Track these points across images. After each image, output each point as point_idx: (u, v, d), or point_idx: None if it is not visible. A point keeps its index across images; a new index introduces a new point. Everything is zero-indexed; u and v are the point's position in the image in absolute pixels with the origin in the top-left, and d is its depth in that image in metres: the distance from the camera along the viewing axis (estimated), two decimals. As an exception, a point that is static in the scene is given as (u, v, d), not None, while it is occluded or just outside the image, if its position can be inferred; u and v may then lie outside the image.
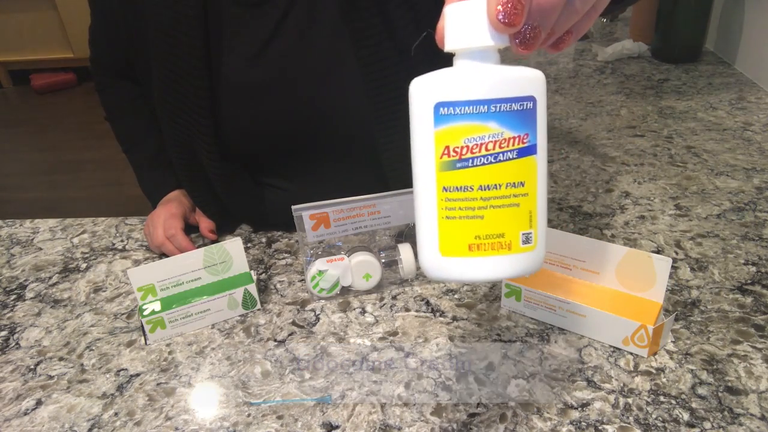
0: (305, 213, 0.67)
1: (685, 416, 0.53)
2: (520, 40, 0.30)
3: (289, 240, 0.83)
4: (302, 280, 0.75)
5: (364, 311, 0.69)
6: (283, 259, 0.80)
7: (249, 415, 0.57)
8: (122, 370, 0.64)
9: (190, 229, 0.82)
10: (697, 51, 1.35)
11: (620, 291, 0.63)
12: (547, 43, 0.33)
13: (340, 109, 0.75)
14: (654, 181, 0.90)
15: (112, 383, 0.62)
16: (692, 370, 0.58)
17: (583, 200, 0.86)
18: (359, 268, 0.70)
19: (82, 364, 0.65)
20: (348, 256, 0.70)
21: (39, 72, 4.03)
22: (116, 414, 0.58)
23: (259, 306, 0.71)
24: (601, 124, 1.09)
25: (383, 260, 0.72)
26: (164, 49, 0.72)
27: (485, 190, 0.28)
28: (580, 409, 0.55)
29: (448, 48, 0.30)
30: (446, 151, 0.29)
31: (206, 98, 0.73)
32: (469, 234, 0.29)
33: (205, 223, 0.83)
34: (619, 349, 0.61)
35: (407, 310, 0.69)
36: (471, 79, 0.29)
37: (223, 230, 0.86)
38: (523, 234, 0.29)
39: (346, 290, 0.72)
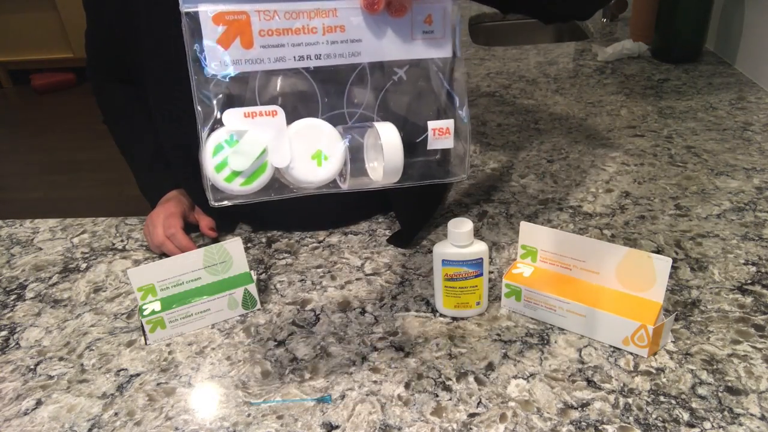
0: (207, 9, 0.38)
1: (685, 416, 0.53)
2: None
3: (289, 240, 0.83)
4: (302, 279, 0.75)
5: (364, 311, 0.69)
6: (283, 259, 0.80)
7: (249, 415, 0.57)
8: (122, 370, 0.64)
9: (189, 228, 0.82)
10: (697, 51, 1.35)
11: (620, 291, 0.63)
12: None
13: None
14: (654, 181, 0.90)
15: (112, 383, 0.62)
16: (692, 370, 0.58)
17: (583, 200, 0.86)
18: (305, 138, 0.41)
19: (82, 364, 0.65)
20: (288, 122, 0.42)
21: (39, 72, 4.03)
22: (116, 414, 0.58)
23: (259, 306, 0.71)
24: (601, 124, 1.09)
25: (347, 141, 0.44)
26: (157, 43, 0.72)
27: (461, 288, 0.65)
28: (580, 409, 0.55)
29: (451, 240, 0.63)
30: (446, 275, 0.64)
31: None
32: (454, 302, 0.66)
33: (205, 221, 0.83)
34: (619, 349, 0.61)
35: (407, 310, 0.69)
36: (454, 252, 0.63)
37: (223, 230, 0.86)
38: (476, 302, 0.66)
39: (279, 184, 0.43)
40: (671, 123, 1.07)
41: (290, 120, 0.42)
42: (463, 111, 0.45)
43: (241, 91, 0.41)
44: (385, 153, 0.42)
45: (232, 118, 0.40)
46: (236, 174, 0.40)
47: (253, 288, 0.69)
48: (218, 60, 0.39)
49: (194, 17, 0.38)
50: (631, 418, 0.53)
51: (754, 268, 0.70)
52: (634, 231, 0.78)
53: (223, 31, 0.38)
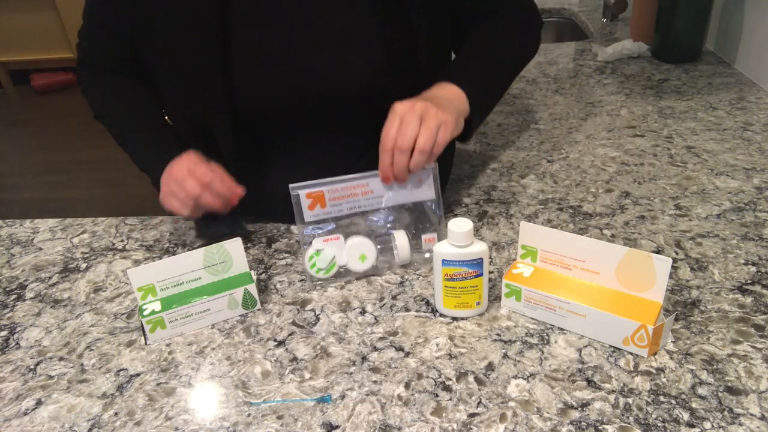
0: (302, 192, 0.70)
1: (685, 416, 0.53)
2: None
3: (289, 240, 0.83)
4: (302, 279, 0.75)
5: (364, 311, 0.69)
6: (283, 259, 0.80)
7: (249, 415, 0.57)
8: (122, 370, 0.64)
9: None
10: (697, 51, 1.35)
11: (620, 291, 0.63)
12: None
13: (356, 80, 0.76)
14: (654, 181, 0.90)
15: (112, 383, 0.62)
16: (692, 370, 0.58)
17: (583, 200, 0.86)
18: (355, 248, 0.73)
19: (82, 364, 0.65)
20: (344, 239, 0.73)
21: (39, 72, 4.03)
22: (116, 414, 0.58)
23: (259, 306, 0.71)
24: (601, 124, 1.09)
25: (378, 246, 0.74)
26: (176, 21, 0.72)
27: (461, 288, 0.65)
28: (580, 409, 0.55)
29: (451, 240, 0.63)
30: (446, 275, 0.65)
31: (219, 66, 0.73)
32: (454, 302, 0.66)
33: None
34: (619, 349, 0.61)
35: (407, 310, 0.69)
36: (454, 252, 0.63)
37: (222, 229, 0.86)
38: (476, 302, 0.66)
39: (343, 273, 0.73)
40: (671, 123, 1.07)
41: (347, 236, 0.73)
42: (441, 223, 0.76)
43: (322, 224, 0.73)
44: (399, 249, 0.74)
45: (317, 241, 0.72)
46: (320, 269, 0.73)
47: (253, 288, 0.69)
48: (310, 215, 0.72)
49: (297, 195, 0.70)
50: (631, 418, 0.53)
51: (754, 268, 0.70)
52: (634, 231, 0.78)
53: (311, 201, 0.71)
